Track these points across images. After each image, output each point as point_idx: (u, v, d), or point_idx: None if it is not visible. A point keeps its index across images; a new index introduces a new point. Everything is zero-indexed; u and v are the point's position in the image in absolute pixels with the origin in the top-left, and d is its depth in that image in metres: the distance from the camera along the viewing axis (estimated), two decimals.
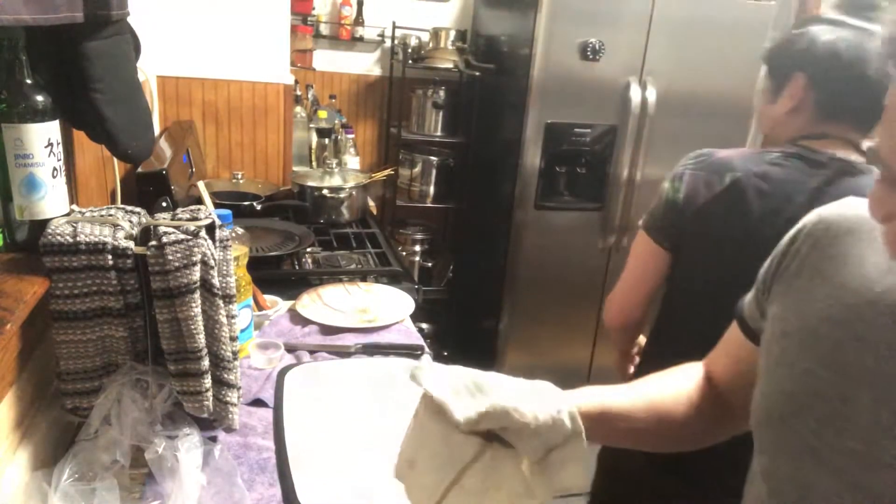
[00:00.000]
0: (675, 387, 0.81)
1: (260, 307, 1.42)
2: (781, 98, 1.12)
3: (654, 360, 1.02)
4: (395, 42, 2.97)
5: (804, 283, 0.64)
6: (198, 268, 0.92)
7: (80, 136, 1.20)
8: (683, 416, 0.78)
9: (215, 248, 0.98)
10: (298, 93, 2.79)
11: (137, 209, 1.03)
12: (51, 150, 0.94)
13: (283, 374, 1.19)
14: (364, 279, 1.69)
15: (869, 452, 0.54)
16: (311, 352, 1.32)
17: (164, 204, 1.53)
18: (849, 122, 1.08)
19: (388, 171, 2.59)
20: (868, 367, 0.56)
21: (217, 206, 1.32)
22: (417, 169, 3.05)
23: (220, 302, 0.97)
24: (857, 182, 1.03)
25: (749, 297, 0.76)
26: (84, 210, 1.00)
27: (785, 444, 0.61)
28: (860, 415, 0.55)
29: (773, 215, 1.04)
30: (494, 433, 0.63)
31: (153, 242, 0.91)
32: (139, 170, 1.61)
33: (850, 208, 0.66)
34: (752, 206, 1.07)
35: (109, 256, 0.90)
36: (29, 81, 0.91)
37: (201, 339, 0.94)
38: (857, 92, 1.04)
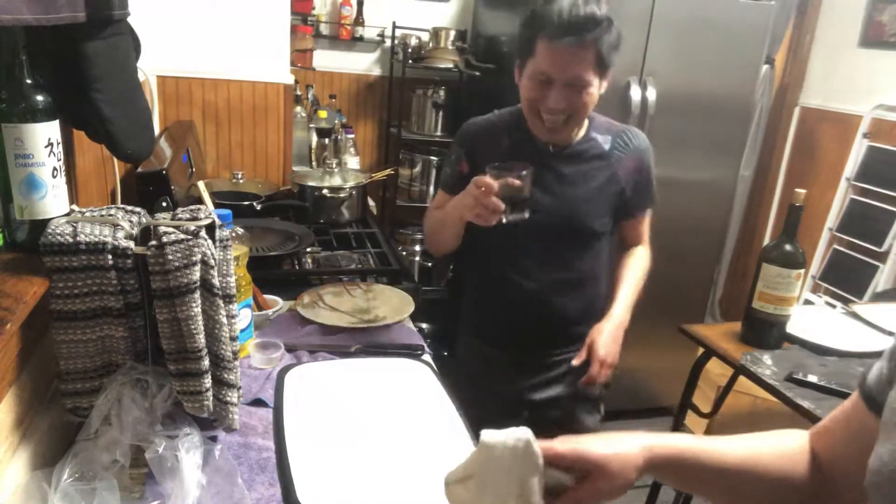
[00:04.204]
0: (779, 444, 0.78)
1: (260, 307, 1.42)
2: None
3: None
4: (395, 42, 2.97)
5: None
6: (198, 268, 0.92)
7: (80, 136, 1.20)
8: (783, 475, 0.74)
9: (215, 247, 0.98)
10: (298, 93, 2.79)
11: (137, 209, 1.03)
12: (51, 150, 0.94)
13: (283, 374, 1.19)
14: (364, 279, 1.69)
15: None
16: (311, 352, 1.32)
17: (164, 204, 1.53)
18: None
19: (388, 171, 2.60)
20: None
21: (217, 206, 1.32)
22: (417, 169, 3.05)
23: (220, 302, 0.97)
24: None
25: (874, 372, 0.73)
26: (84, 210, 1.00)
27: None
28: None
29: None
30: None
31: (153, 242, 0.91)
32: (139, 170, 1.61)
33: None
34: None
35: (109, 256, 0.90)
36: (29, 81, 0.91)
37: (201, 338, 0.94)
38: None
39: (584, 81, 1.35)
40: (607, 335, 1.48)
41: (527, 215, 1.32)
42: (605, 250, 1.59)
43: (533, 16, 1.37)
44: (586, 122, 1.51)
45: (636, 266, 1.60)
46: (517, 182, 1.29)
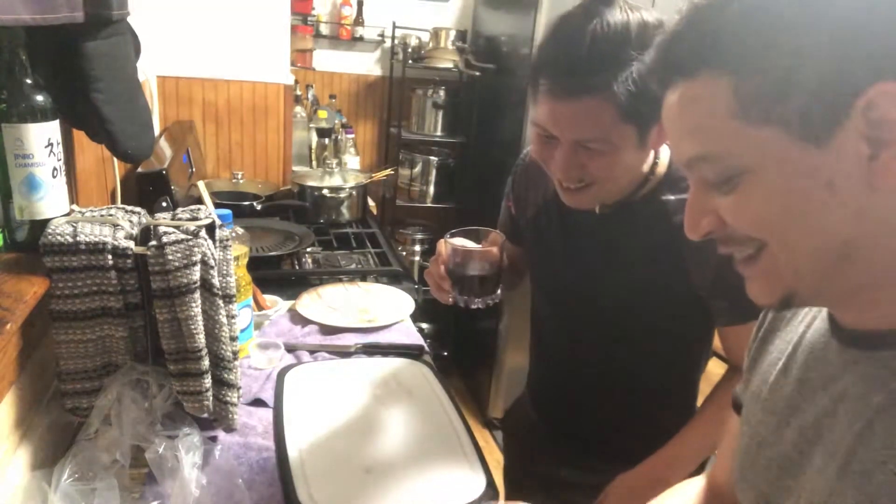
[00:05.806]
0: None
1: (260, 307, 1.42)
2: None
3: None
4: (395, 42, 2.97)
5: (766, 346, 0.70)
6: (198, 268, 0.92)
7: (80, 136, 1.20)
8: None
9: (215, 247, 0.98)
10: (298, 93, 2.79)
11: (137, 209, 1.03)
12: (51, 150, 0.94)
13: (283, 374, 1.19)
14: (364, 279, 1.69)
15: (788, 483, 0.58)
16: (311, 352, 1.32)
17: (164, 204, 1.53)
18: None
19: (388, 171, 2.60)
20: (794, 403, 0.59)
21: (217, 206, 1.32)
22: (417, 169, 3.05)
23: (220, 302, 0.97)
24: None
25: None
26: (84, 210, 1.00)
27: (744, 497, 0.66)
28: (787, 449, 0.58)
29: None
30: None
31: (153, 242, 0.91)
32: (139, 170, 1.61)
33: None
34: None
35: (109, 256, 0.90)
36: (29, 81, 0.91)
37: (201, 339, 0.94)
38: None
39: (601, 143, 0.88)
40: (626, 494, 1.03)
41: (490, 301, 1.00)
42: (678, 356, 1.10)
43: (541, 45, 0.93)
44: (662, 166, 0.99)
45: (714, 400, 1.04)
46: (468, 249, 0.95)
